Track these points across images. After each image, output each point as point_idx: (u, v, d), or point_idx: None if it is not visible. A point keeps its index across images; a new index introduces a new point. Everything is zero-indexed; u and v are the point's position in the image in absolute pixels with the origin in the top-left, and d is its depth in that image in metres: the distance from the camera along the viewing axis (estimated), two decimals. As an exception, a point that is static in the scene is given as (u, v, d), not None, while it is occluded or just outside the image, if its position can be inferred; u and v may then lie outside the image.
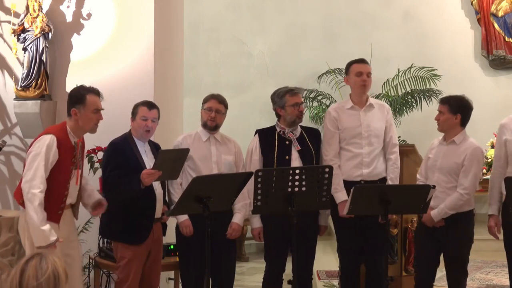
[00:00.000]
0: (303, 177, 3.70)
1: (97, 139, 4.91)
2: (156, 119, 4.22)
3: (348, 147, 4.41)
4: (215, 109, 4.36)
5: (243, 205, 4.35)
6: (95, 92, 3.86)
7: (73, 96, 3.85)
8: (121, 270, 4.14)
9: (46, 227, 3.60)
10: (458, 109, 4.23)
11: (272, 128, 4.48)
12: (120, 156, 4.11)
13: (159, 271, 4.39)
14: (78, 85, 3.98)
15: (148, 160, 4.15)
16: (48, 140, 3.67)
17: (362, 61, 4.49)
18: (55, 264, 2.14)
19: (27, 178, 3.64)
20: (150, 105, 4.22)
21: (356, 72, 4.42)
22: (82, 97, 3.79)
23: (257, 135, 4.50)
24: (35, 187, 3.60)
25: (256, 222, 4.38)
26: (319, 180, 3.77)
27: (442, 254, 4.25)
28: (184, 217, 4.27)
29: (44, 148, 3.65)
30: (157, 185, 4.18)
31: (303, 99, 4.55)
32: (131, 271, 4.09)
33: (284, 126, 4.43)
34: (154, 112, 4.21)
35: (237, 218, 4.36)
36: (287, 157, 4.34)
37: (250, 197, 4.11)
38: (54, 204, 3.73)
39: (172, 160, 4.01)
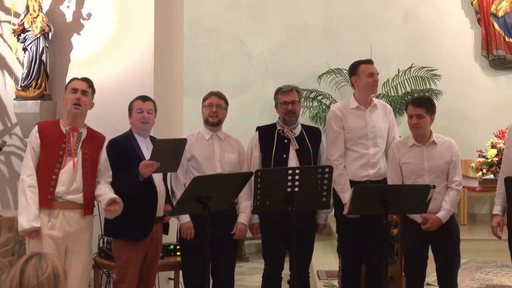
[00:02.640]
0: (303, 177, 3.70)
1: (97, 139, 4.93)
2: (152, 111, 4.23)
3: (355, 148, 4.41)
4: (215, 104, 4.37)
5: (248, 205, 4.32)
6: (79, 78, 4.11)
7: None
8: (118, 270, 4.14)
9: (32, 210, 3.76)
10: (433, 110, 4.24)
11: (273, 126, 4.49)
12: (121, 153, 4.11)
13: (156, 271, 4.38)
14: None
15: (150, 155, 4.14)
16: (32, 130, 3.96)
17: (371, 61, 4.50)
18: (54, 263, 2.14)
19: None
20: (144, 98, 4.26)
21: (369, 73, 4.41)
22: (67, 85, 4.10)
23: (257, 132, 4.51)
24: (22, 174, 3.87)
25: (254, 217, 4.38)
26: (319, 180, 3.77)
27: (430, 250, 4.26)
28: (185, 219, 4.26)
29: (29, 137, 3.96)
30: (158, 182, 4.16)
31: (301, 98, 4.55)
32: (128, 271, 4.08)
33: (283, 124, 4.44)
34: (149, 104, 4.22)
35: (243, 218, 4.35)
36: (284, 155, 4.35)
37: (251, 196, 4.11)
38: (42, 188, 3.82)
39: (169, 150, 3.97)
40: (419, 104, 4.21)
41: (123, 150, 4.12)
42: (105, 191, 3.96)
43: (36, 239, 3.77)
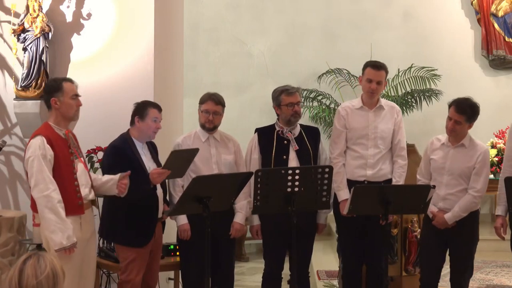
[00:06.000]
0: (303, 177, 3.70)
1: (97, 139, 4.93)
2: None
3: (354, 147, 4.40)
4: (212, 112, 4.35)
5: (244, 204, 4.33)
6: (70, 80, 3.96)
7: (49, 87, 3.92)
8: (124, 271, 4.14)
9: (69, 225, 3.65)
10: (473, 119, 4.18)
11: (272, 127, 4.48)
12: (122, 158, 4.10)
13: (158, 270, 4.39)
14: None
15: (147, 160, 4.16)
16: (37, 142, 3.71)
17: (376, 66, 4.37)
18: (53, 263, 2.15)
19: (33, 185, 3.68)
20: (159, 107, 4.26)
21: (367, 78, 4.37)
22: (59, 85, 3.85)
23: (256, 133, 4.50)
24: (44, 190, 3.64)
25: (255, 219, 4.39)
26: (319, 180, 3.77)
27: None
28: (183, 221, 4.27)
29: (36, 150, 3.68)
30: (157, 185, 4.17)
31: (302, 99, 4.54)
32: (133, 271, 4.09)
33: (282, 125, 4.43)
34: (161, 114, 4.25)
35: (239, 218, 4.36)
36: (284, 156, 4.34)
37: (251, 196, 4.10)
38: (70, 197, 3.74)
39: (182, 160, 4.04)
40: (461, 111, 4.14)
41: (124, 155, 4.12)
42: (104, 177, 4.00)
43: (73, 252, 3.68)
